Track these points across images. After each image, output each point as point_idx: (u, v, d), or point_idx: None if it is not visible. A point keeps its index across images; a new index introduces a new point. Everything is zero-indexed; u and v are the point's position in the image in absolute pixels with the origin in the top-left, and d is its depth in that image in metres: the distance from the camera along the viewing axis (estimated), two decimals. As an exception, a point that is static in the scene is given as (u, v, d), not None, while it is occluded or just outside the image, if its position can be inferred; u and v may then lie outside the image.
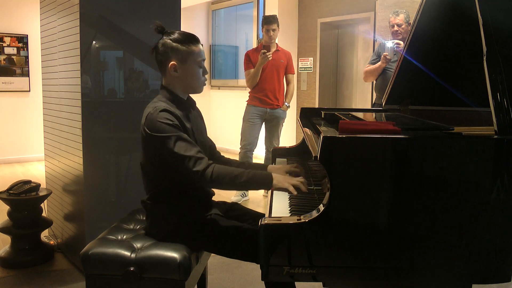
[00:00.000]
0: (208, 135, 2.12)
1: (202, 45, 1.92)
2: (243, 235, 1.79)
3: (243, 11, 7.75)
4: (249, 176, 1.75)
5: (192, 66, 1.88)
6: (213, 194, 2.03)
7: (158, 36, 1.89)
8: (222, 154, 2.18)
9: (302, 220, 1.42)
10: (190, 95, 2.00)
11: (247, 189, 1.99)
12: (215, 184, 1.74)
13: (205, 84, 1.96)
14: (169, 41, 1.85)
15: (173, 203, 1.87)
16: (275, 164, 2.36)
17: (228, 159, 2.16)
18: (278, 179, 1.77)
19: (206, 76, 1.95)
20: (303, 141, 2.31)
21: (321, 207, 1.42)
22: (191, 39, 1.88)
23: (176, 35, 1.87)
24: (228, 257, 1.86)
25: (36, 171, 6.14)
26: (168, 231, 1.84)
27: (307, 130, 2.00)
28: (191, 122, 1.91)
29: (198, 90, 1.95)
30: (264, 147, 4.80)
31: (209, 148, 2.08)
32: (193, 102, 2.01)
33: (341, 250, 1.43)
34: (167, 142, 1.73)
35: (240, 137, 4.65)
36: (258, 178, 1.77)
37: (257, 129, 4.63)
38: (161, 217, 1.87)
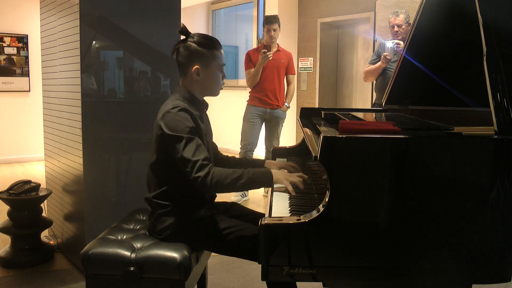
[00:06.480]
0: None
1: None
2: (244, 234, 1.79)
3: (243, 11, 7.74)
4: (249, 175, 1.74)
5: (214, 71, 1.89)
6: (215, 195, 2.04)
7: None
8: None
9: (302, 220, 1.42)
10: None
11: (248, 189, 1.98)
12: (216, 189, 1.72)
13: (222, 88, 1.97)
14: (194, 44, 1.85)
15: (177, 203, 1.86)
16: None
17: (227, 156, 2.18)
18: (278, 176, 1.77)
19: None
20: (303, 141, 2.31)
21: (321, 207, 1.42)
22: (214, 43, 1.89)
23: (200, 39, 1.87)
24: (229, 255, 1.86)
25: (36, 171, 6.14)
26: (170, 229, 1.84)
27: (307, 130, 2.00)
28: (204, 124, 1.93)
29: (216, 93, 1.96)
30: (264, 147, 4.81)
31: (213, 150, 2.09)
32: (207, 104, 2.01)
33: (341, 250, 1.43)
34: (178, 143, 1.72)
35: (240, 137, 4.65)
36: (258, 177, 1.77)
37: (257, 129, 4.63)
38: (165, 216, 1.87)
